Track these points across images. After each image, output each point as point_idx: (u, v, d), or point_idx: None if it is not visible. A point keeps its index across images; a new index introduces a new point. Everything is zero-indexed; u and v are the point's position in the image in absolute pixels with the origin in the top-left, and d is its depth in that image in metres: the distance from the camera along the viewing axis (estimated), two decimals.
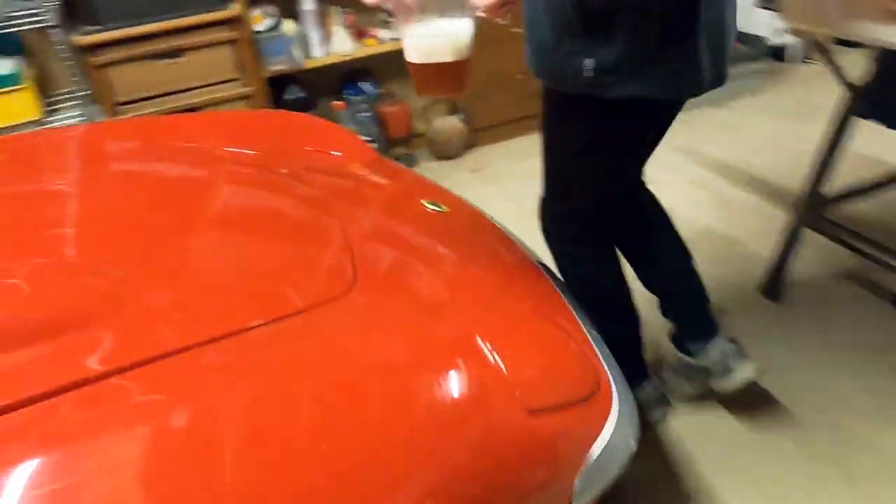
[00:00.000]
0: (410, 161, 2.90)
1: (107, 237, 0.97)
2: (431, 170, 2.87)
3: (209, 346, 0.75)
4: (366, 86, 2.80)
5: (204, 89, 2.43)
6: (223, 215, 1.10)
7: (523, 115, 2.92)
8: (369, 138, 2.76)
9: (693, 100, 1.14)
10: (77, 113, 2.28)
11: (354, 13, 2.70)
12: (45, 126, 2.21)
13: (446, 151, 2.94)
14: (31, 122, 2.19)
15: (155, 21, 2.26)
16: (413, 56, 0.98)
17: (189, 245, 0.99)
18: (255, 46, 2.46)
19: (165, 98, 2.38)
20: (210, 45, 2.38)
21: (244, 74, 2.47)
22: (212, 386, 0.72)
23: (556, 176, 1.34)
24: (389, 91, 2.87)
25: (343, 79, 2.83)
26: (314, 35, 2.64)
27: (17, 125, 2.17)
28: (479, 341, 0.84)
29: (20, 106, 2.15)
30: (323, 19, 2.65)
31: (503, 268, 1.13)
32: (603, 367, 0.94)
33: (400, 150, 2.94)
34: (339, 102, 2.74)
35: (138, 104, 2.35)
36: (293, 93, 2.68)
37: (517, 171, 2.74)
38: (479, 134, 3.01)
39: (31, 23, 2.12)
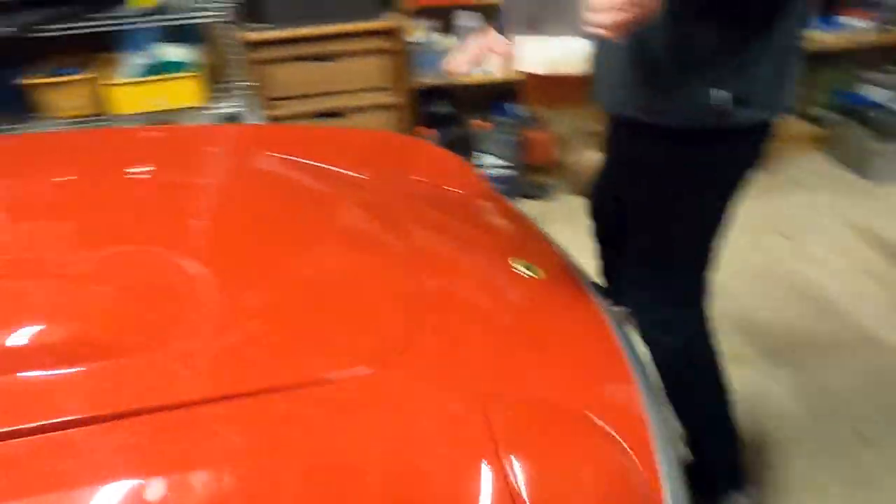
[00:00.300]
0: (546, 191, 2.80)
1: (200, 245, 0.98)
2: (566, 204, 2.75)
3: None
4: (513, 108, 2.75)
5: (353, 94, 2.50)
6: (298, 239, 1.09)
7: None
8: (508, 162, 2.70)
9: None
10: (237, 103, 2.43)
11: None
12: (206, 112, 2.38)
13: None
14: (194, 108, 2.37)
15: (315, 25, 2.35)
16: (534, 67, 0.99)
17: (260, 268, 0.98)
18: (407, 58, 2.49)
19: (315, 98, 2.48)
20: (364, 52, 2.44)
21: (393, 84, 2.51)
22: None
23: (665, 237, 1.20)
24: (536, 116, 2.79)
25: (491, 99, 2.79)
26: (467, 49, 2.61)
27: (182, 109, 2.36)
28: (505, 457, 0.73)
29: (188, 92, 2.33)
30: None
31: (574, 363, 1.00)
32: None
33: (538, 178, 2.85)
34: (483, 122, 2.70)
35: (290, 101, 2.47)
36: (440, 107, 2.68)
37: None
38: None
39: (210, 16, 2.29)
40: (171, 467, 0.67)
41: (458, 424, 0.78)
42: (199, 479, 0.67)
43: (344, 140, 1.63)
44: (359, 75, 2.48)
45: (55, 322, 0.82)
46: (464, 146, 2.71)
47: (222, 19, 2.30)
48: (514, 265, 1.15)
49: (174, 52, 2.33)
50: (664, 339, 1.24)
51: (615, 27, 0.84)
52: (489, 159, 2.70)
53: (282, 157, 1.37)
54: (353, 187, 1.33)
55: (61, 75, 2.29)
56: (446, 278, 1.08)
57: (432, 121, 2.69)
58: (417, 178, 1.47)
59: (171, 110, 2.35)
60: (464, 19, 2.58)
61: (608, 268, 1.47)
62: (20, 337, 0.78)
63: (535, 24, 0.98)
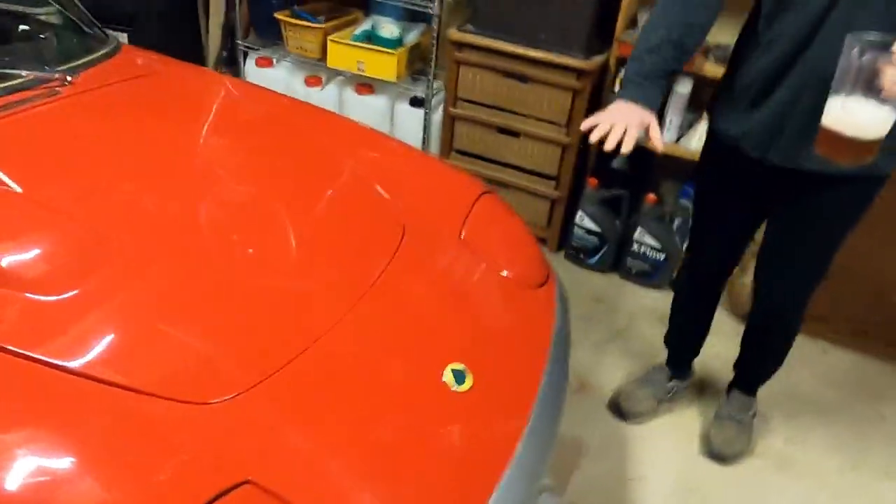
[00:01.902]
0: None
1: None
2: (718, 322, 2.36)
3: None
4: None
5: (528, 119, 2.45)
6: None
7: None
8: (664, 246, 2.43)
9: None
10: (426, 91, 2.56)
11: None
12: (396, 88, 2.56)
13: (741, 310, 2.40)
14: (388, 81, 2.56)
15: (520, 44, 2.33)
16: (843, 128, 1.07)
17: None
18: (597, 101, 2.36)
19: (496, 110, 2.48)
20: (557, 85, 2.35)
21: (571, 124, 2.40)
22: None
23: (824, 261, 1.53)
24: None
25: (685, 175, 2.50)
26: (673, 118, 2.36)
27: (380, 79, 2.56)
28: None
29: (387, 66, 2.53)
30: (691, 107, 2.35)
31: None
32: None
33: None
34: (652, 196, 2.45)
35: (473, 105, 2.52)
36: (619, 163, 2.50)
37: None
38: None
39: (428, 7, 2.42)
40: None
41: None
42: None
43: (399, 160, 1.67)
44: (541, 103, 2.40)
45: None
46: (617, 210, 2.50)
47: (437, 13, 2.42)
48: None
49: (390, 28, 2.52)
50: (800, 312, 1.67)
51: None
52: (646, 237, 2.46)
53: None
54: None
55: (302, 18, 2.64)
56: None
57: (610, 174, 2.51)
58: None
59: (370, 76, 2.57)
60: (683, 86, 2.33)
61: (693, 328, 1.93)
62: None
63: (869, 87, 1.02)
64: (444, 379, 1.17)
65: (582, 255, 2.58)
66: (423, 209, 1.54)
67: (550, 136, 2.43)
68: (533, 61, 2.33)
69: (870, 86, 1.03)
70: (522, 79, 2.40)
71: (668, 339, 1.95)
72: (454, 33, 2.42)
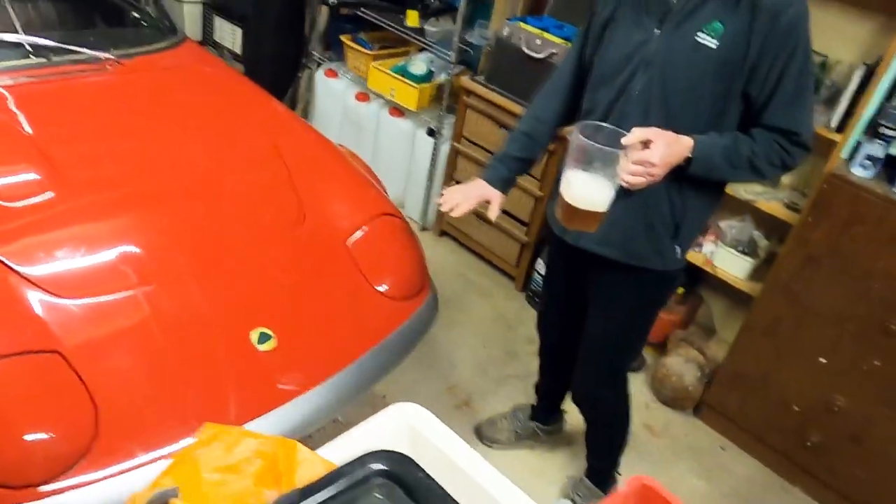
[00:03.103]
0: (638, 365, 2.61)
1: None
2: (653, 410, 2.53)
3: None
4: None
5: None
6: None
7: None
8: None
9: None
10: (438, 123, 2.92)
11: None
12: (416, 117, 2.94)
13: (661, 394, 2.52)
14: (409, 109, 2.95)
15: (513, 100, 2.64)
16: (573, 198, 1.29)
17: None
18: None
19: (488, 154, 2.79)
20: None
21: (544, 179, 2.65)
22: None
23: (625, 345, 1.75)
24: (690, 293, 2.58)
25: None
26: None
27: (407, 109, 2.96)
28: None
29: (410, 96, 2.92)
30: None
31: None
32: None
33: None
34: None
35: (473, 146, 2.85)
36: None
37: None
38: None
39: (446, 55, 2.80)
40: None
41: None
42: None
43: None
44: None
45: None
46: None
47: (451, 59, 2.79)
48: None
49: (419, 65, 2.92)
50: (608, 398, 1.84)
51: (636, 183, 1.30)
52: None
53: None
54: None
55: (358, 43, 3.11)
56: None
57: None
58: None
59: (398, 103, 2.98)
60: None
61: (551, 383, 2.08)
62: None
63: (587, 165, 1.25)
64: (251, 336, 1.55)
65: (537, 299, 2.81)
66: (327, 209, 1.92)
67: (527, 187, 2.70)
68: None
69: (587, 166, 1.24)
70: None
71: (536, 385, 2.17)
72: (465, 80, 2.77)
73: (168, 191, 1.78)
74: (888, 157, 1.95)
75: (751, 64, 1.32)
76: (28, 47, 2.03)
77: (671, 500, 0.82)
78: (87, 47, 2.11)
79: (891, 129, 1.92)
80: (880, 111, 1.97)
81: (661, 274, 1.57)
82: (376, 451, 0.88)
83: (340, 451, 0.89)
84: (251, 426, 1.40)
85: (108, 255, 1.58)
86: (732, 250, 2.39)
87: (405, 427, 0.96)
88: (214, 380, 1.47)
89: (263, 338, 1.56)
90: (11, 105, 1.82)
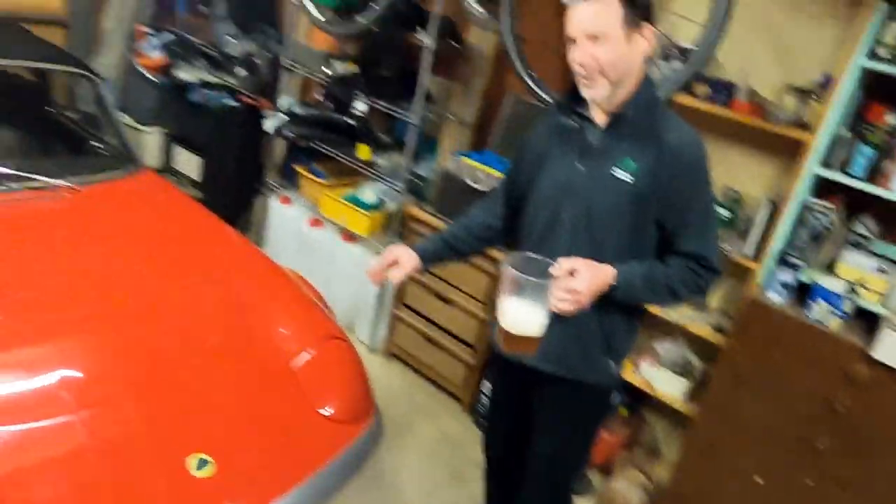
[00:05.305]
0: (585, 488, 2.60)
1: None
2: None
3: None
4: None
5: (458, 292, 2.84)
6: None
7: None
8: None
9: None
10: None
11: None
12: (366, 241, 3.06)
13: None
14: (361, 236, 3.07)
15: None
16: (509, 325, 1.40)
17: None
18: None
19: (436, 279, 2.90)
20: (478, 266, 2.75)
21: (491, 302, 2.76)
22: None
23: (568, 462, 1.77)
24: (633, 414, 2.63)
25: None
26: None
27: (359, 236, 3.08)
28: None
29: (361, 223, 3.05)
30: None
31: None
32: None
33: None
34: None
35: None
36: None
37: None
38: None
39: (393, 185, 2.97)
40: None
41: None
42: None
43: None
44: (472, 282, 2.80)
45: None
46: None
47: (400, 190, 2.95)
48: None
49: (370, 195, 3.07)
50: None
51: (566, 309, 1.41)
52: None
53: None
54: None
55: (312, 173, 3.27)
56: None
57: None
58: None
59: (347, 229, 3.11)
60: None
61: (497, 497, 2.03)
62: None
63: (520, 293, 1.35)
64: (189, 462, 1.54)
65: (484, 420, 2.82)
66: (273, 331, 1.96)
67: (471, 310, 2.80)
68: None
69: (519, 294, 1.36)
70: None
71: None
72: (413, 209, 2.93)
73: (113, 313, 1.80)
74: (800, 283, 2.12)
75: (660, 196, 1.47)
76: None
77: None
78: (44, 175, 2.19)
79: (798, 258, 2.11)
80: (789, 242, 2.17)
81: (598, 388, 1.65)
82: None
83: None
84: None
85: (46, 378, 1.57)
86: (669, 372, 2.49)
87: None
88: None
89: (202, 463, 1.55)
90: None
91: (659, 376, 2.50)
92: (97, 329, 1.74)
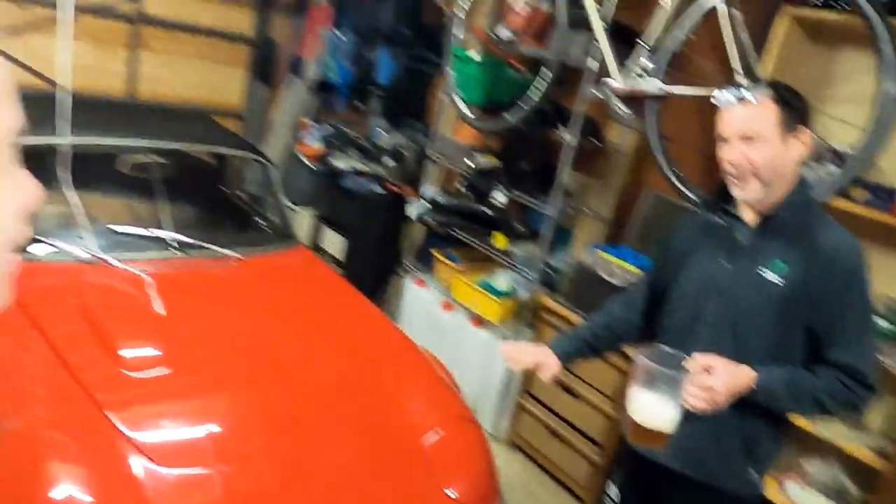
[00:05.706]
0: None
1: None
2: None
3: None
4: None
5: (587, 386, 2.79)
6: None
7: None
8: None
9: None
10: (524, 338, 3.06)
11: None
12: (504, 328, 3.10)
13: None
14: (495, 325, 3.12)
15: None
16: (638, 417, 1.39)
17: None
18: None
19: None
20: (608, 361, 2.70)
21: (619, 399, 2.67)
22: None
23: None
24: None
25: None
26: None
27: (488, 321, 3.14)
28: None
29: (492, 310, 3.10)
30: None
31: None
32: None
33: None
34: None
35: None
36: None
37: None
38: None
39: (529, 276, 3.01)
40: None
41: None
42: None
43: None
44: (599, 375, 2.74)
45: None
46: None
47: (533, 279, 2.99)
48: None
49: (503, 282, 3.14)
50: None
51: (699, 406, 1.36)
52: None
53: None
54: None
55: (447, 257, 3.40)
56: None
57: None
58: None
59: (486, 321, 3.17)
60: None
61: None
62: None
63: (651, 385, 1.35)
64: None
65: None
66: (406, 406, 2.02)
67: (598, 404, 2.72)
68: None
69: (651, 386, 1.34)
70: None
71: None
72: (545, 299, 2.95)
73: (259, 375, 1.94)
74: None
75: (812, 301, 1.42)
76: (170, 242, 2.38)
77: None
78: (217, 245, 2.45)
79: None
80: None
81: (736, 499, 1.55)
82: None
83: None
84: None
85: (200, 430, 1.71)
86: (820, 496, 2.27)
87: None
88: None
89: None
90: (151, 289, 2.10)
91: (807, 499, 2.28)
92: (244, 389, 1.88)
